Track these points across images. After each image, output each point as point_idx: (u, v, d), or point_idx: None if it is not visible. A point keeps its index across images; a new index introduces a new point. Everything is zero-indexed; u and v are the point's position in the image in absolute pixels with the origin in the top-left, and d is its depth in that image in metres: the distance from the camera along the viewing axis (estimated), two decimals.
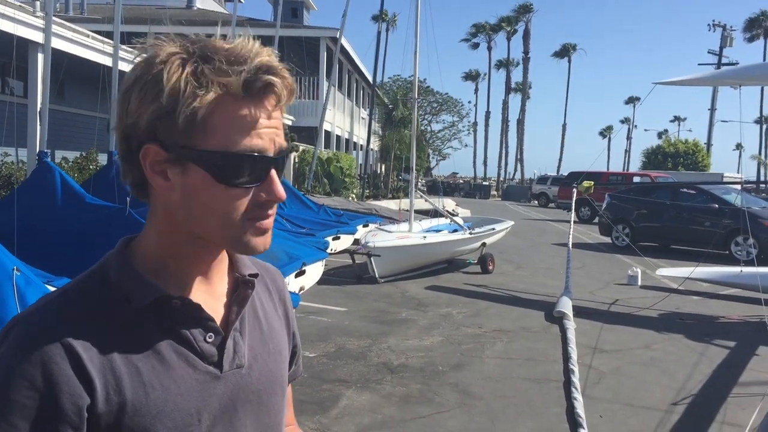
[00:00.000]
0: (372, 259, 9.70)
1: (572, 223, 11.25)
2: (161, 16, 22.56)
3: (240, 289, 1.03)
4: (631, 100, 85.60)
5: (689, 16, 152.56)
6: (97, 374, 0.87)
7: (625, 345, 7.00)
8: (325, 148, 25.88)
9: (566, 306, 8.05)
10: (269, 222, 0.93)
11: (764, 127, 62.06)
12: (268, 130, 0.90)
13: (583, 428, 4.57)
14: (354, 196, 24.75)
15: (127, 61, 9.92)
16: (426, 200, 13.15)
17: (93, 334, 0.89)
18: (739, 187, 16.98)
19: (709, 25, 53.75)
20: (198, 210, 0.91)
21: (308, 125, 24.73)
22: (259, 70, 0.87)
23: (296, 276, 7.74)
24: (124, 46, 9.86)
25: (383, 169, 41.16)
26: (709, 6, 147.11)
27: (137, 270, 0.95)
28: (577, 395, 5.19)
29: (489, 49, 66.13)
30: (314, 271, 8.55)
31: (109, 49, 10.13)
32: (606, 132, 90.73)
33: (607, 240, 16.56)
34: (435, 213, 13.51)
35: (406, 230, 11.65)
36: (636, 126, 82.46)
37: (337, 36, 22.73)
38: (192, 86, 0.85)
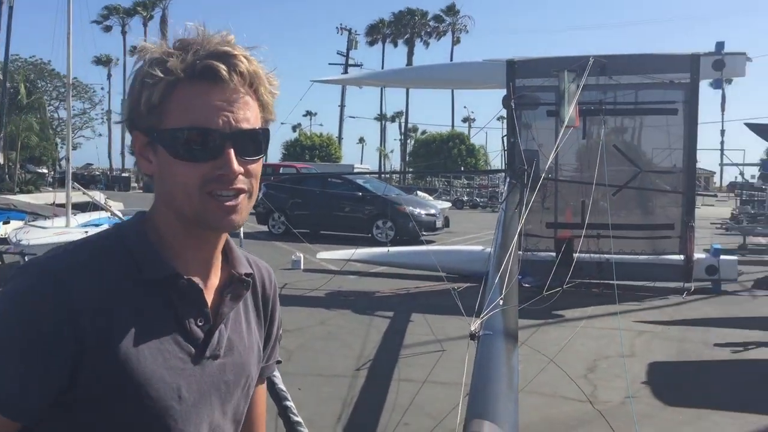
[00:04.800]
0: (27, 258, 8.83)
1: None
2: None
3: (234, 285, 1.09)
4: None
5: (325, 19, 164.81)
6: (95, 331, 0.93)
7: (303, 324, 7.56)
8: None
9: None
10: (234, 202, 1.00)
11: (383, 123, 70.15)
12: (221, 111, 0.98)
13: (288, 400, 4.92)
14: None
15: None
16: (84, 193, 12.32)
17: (99, 292, 0.95)
18: (376, 177, 19.14)
19: (337, 28, 58.99)
20: (169, 186, 1.01)
21: None
22: (206, 56, 0.98)
23: None
24: None
25: (7, 161, 36.78)
26: (341, 10, 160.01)
27: (152, 244, 1.02)
28: (276, 372, 5.54)
29: (123, 33, 63.24)
30: None
31: None
32: None
33: (264, 228, 17.29)
34: (88, 206, 12.69)
35: (63, 225, 10.79)
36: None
37: None
38: (149, 77, 0.97)
